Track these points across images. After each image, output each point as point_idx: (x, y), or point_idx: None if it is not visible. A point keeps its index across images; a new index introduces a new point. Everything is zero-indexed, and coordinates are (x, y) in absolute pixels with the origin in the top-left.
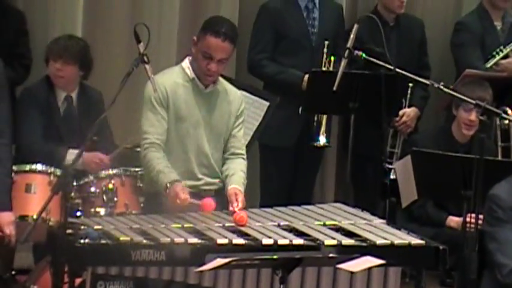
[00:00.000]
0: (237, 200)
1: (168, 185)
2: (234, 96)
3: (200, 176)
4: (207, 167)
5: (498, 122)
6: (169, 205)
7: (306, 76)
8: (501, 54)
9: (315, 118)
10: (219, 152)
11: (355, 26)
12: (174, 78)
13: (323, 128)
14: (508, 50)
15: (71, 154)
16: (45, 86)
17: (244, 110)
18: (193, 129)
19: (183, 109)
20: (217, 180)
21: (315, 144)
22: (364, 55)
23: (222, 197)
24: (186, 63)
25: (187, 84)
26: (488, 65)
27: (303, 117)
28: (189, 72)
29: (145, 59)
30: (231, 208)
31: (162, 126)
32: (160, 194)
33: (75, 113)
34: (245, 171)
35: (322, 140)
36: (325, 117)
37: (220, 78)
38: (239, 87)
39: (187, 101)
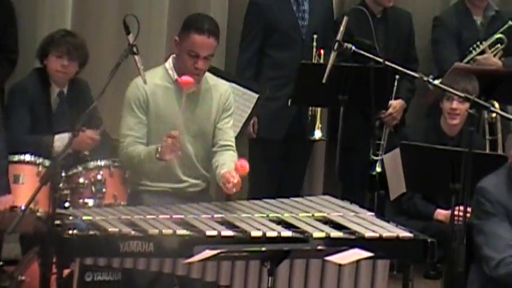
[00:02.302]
0: (232, 176)
1: (159, 148)
2: (222, 89)
3: (184, 178)
4: (191, 167)
5: (486, 116)
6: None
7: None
8: (478, 50)
9: (310, 112)
10: (205, 151)
11: (345, 18)
12: (154, 80)
13: (318, 122)
14: (485, 45)
15: (58, 140)
16: (38, 81)
17: (232, 102)
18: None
19: (163, 111)
20: (200, 181)
21: (311, 138)
22: (354, 48)
23: (206, 197)
24: (169, 63)
25: (169, 86)
26: (465, 60)
27: (293, 109)
28: (172, 73)
29: (135, 50)
30: (227, 185)
31: (140, 130)
32: (144, 193)
33: (67, 107)
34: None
35: (317, 134)
36: (319, 110)
37: (207, 74)
38: (228, 79)
39: (169, 103)
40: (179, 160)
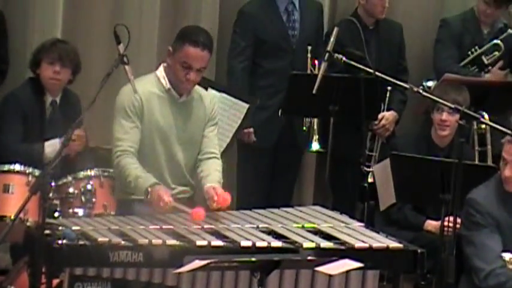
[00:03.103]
0: (216, 193)
1: (149, 189)
2: (208, 99)
3: (173, 185)
4: (180, 176)
5: (475, 127)
6: (152, 210)
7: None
8: (475, 54)
9: (306, 123)
10: (194, 160)
11: (335, 29)
12: (149, 88)
13: (315, 134)
14: (482, 50)
15: (48, 146)
16: (31, 90)
17: (217, 111)
18: (167, 140)
19: (157, 119)
20: (188, 188)
21: (309, 150)
22: (344, 59)
23: (193, 204)
24: (161, 72)
25: (162, 95)
26: (462, 64)
27: (283, 118)
28: (165, 82)
29: (125, 59)
30: (212, 203)
31: (135, 135)
32: (133, 201)
33: (60, 117)
34: (220, 171)
35: (315, 146)
36: (315, 121)
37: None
38: (219, 90)
39: (162, 112)
40: (169, 168)
